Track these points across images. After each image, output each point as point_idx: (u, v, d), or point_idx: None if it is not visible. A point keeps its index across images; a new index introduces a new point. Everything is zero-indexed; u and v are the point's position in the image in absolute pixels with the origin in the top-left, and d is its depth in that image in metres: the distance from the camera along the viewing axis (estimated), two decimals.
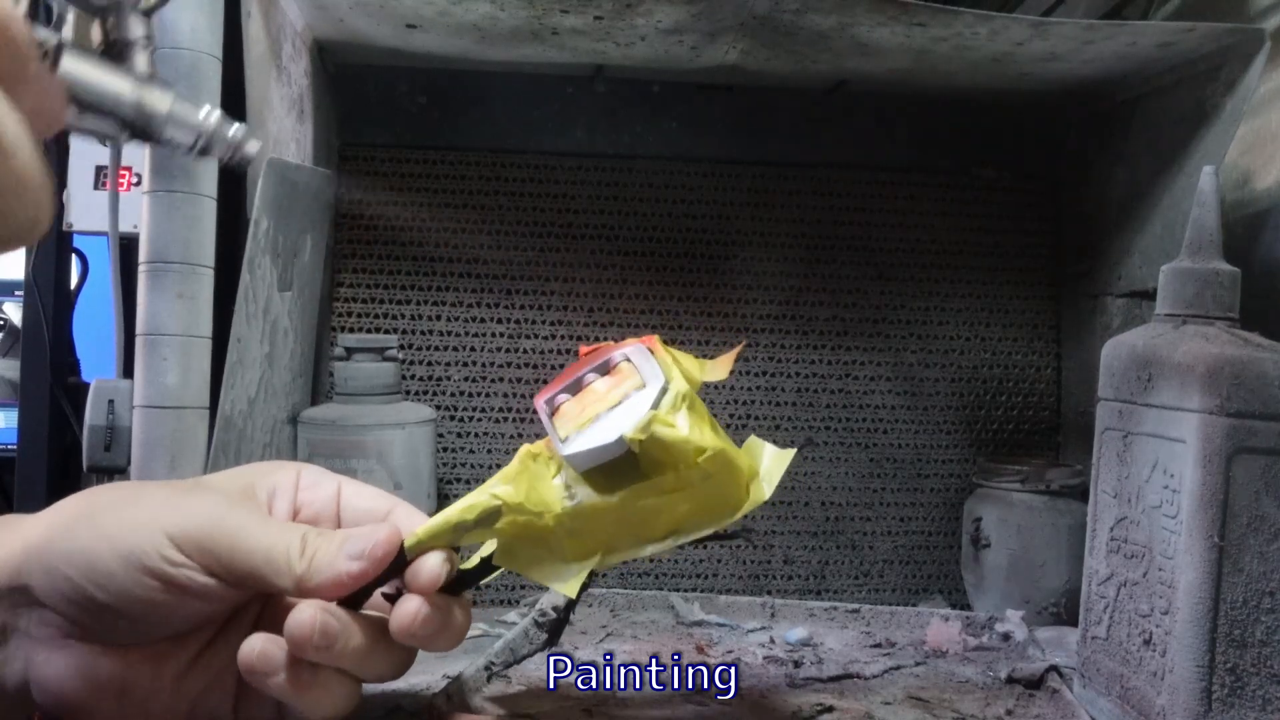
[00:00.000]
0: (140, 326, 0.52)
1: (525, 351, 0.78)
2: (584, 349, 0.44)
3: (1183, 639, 0.45)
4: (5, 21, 0.24)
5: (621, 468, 0.41)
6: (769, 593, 0.78)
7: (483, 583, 0.42)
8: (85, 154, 1.05)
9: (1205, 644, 0.45)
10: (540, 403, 0.43)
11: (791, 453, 0.43)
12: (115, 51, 0.35)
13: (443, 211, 0.77)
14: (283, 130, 0.63)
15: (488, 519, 0.40)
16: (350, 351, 0.65)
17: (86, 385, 0.67)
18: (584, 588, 0.41)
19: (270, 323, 0.61)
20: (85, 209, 1.08)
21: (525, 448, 0.42)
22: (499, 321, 0.78)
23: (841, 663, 0.59)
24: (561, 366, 0.77)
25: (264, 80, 0.59)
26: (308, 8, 0.63)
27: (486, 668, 0.54)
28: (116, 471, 0.74)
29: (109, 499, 0.39)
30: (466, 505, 0.40)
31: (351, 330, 0.76)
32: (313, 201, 0.68)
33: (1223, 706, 0.45)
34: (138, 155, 0.52)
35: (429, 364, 0.77)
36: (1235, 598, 0.45)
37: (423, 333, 0.77)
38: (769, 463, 0.43)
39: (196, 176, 0.53)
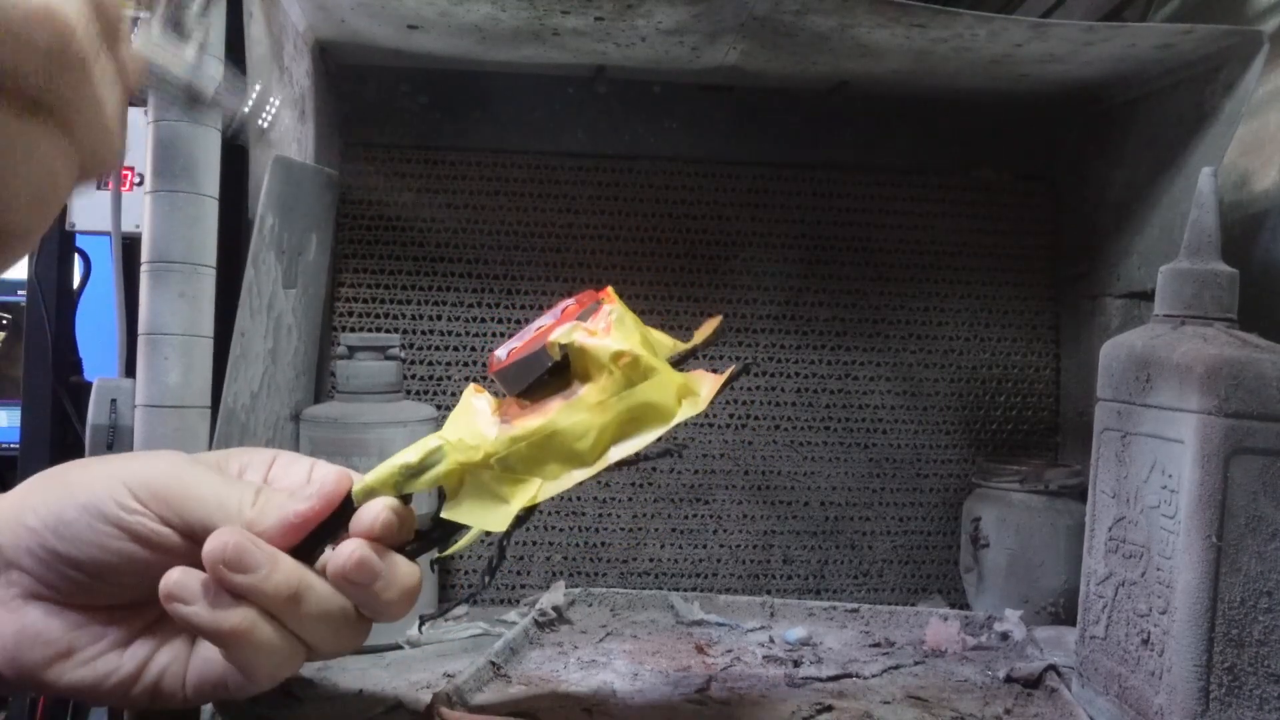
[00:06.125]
0: (142, 326, 0.53)
1: None
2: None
3: (1181, 638, 0.46)
4: None
5: (553, 388, 0.42)
6: (768, 592, 0.78)
7: (447, 552, 0.43)
8: None
9: (1203, 643, 0.45)
10: (494, 354, 0.44)
11: (728, 373, 0.44)
12: (176, 28, 0.40)
13: (444, 211, 0.77)
14: (285, 130, 0.63)
15: (432, 459, 0.41)
16: (352, 350, 0.65)
17: (89, 384, 0.67)
18: (519, 522, 0.42)
19: (274, 319, 0.61)
20: (88, 209, 1.08)
21: (471, 386, 0.44)
22: (499, 321, 0.78)
23: (840, 662, 0.59)
24: None
25: (266, 80, 0.59)
26: (309, 8, 0.63)
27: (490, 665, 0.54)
28: None
29: (80, 461, 0.41)
30: (414, 446, 0.41)
31: (353, 330, 0.77)
32: (317, 200, 0.68)
33: (1220, 706, 0.45)
34: (140, 155, 0.53)
35: (430, 364, 0.77)
36: (1233, 597, 0.45)
37: (424, 332, 0.77)
38: (708, 385, 0.44)
39: (199, 177, 0.53)
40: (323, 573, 0.40)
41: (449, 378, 0.78)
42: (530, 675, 0.55)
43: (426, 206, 0.77)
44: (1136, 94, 0.71)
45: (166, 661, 0.41)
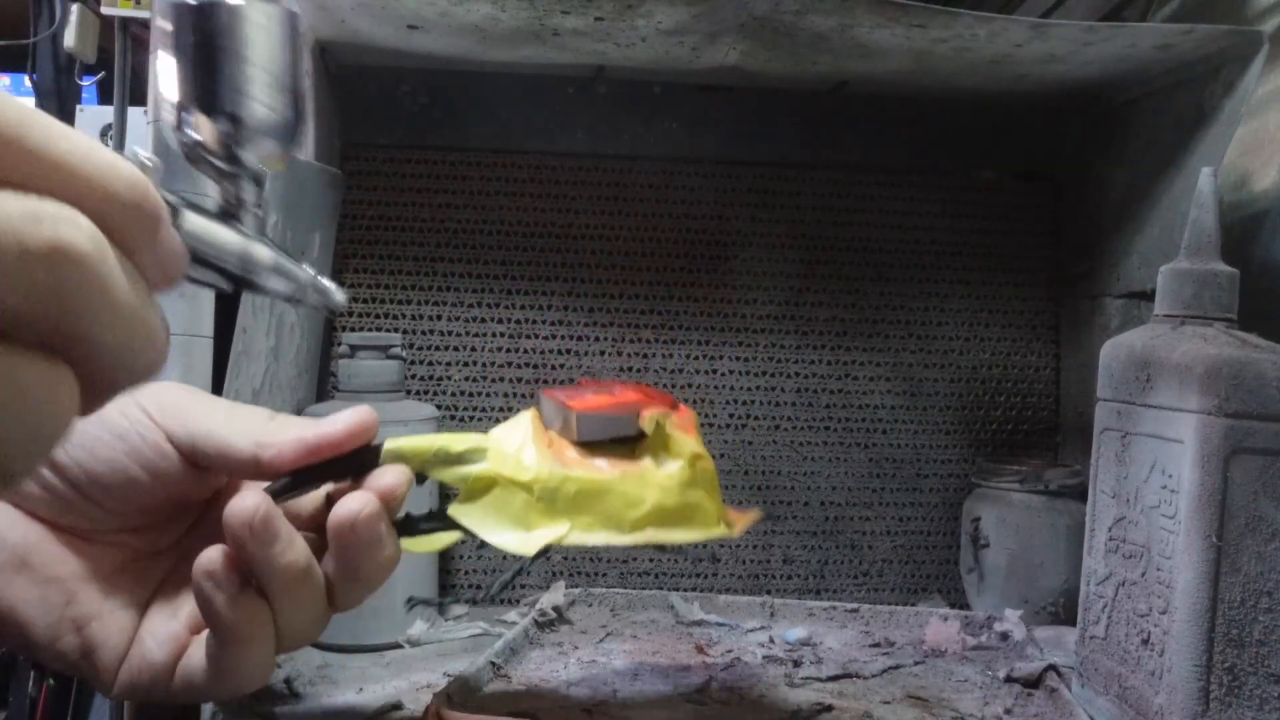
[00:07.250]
0: None
1: (525, 351, 0.78)
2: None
3: (1181, 638, 0.46)
4: (143, 193, 0.25)
5: (611, 450, 0.43)
6: (768, 592, 0.78)
7: (419, 549, 0.42)
8: None
9: (1203, 643, 0.45)
10: (553, 394, 0.46)
11: (753, 514, 0.47)
12: (230, 211, 0.38)
13: (444, 211, 0.77)
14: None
15: (473, 456, 0.41)
16: (354, 349, 0.65)
17: None
18: (541, 553, 0.41)
19: (276, 317, 0.61)
20: None
21: (533, 410, 0.45)
22: (499, 321, 0.78)
23: (840, 662, 0.59)
24: (561, 367, 0.78)
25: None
26: (309, 9, 0.63)
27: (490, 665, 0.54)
28: None
29: None
30: (459, 436, 0.41)
31: (354, 329, 0.77)
32: (321, 199, 0.68)
33: (1220, 706, 0.45)
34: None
35: (430, 364, 0.77)
36: (1233, 597, 0.45)
37: (424, 332, 0.77)
38: (738, 518, 0.46)
39: (199, 177, 0.53)
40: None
41: (449, 377, 0.78)
42: (530, 675, 0.55)
43: (427, 206, 0.77)
44: (1136, 94, 0.71)
45: (109, 633, 0.38)
